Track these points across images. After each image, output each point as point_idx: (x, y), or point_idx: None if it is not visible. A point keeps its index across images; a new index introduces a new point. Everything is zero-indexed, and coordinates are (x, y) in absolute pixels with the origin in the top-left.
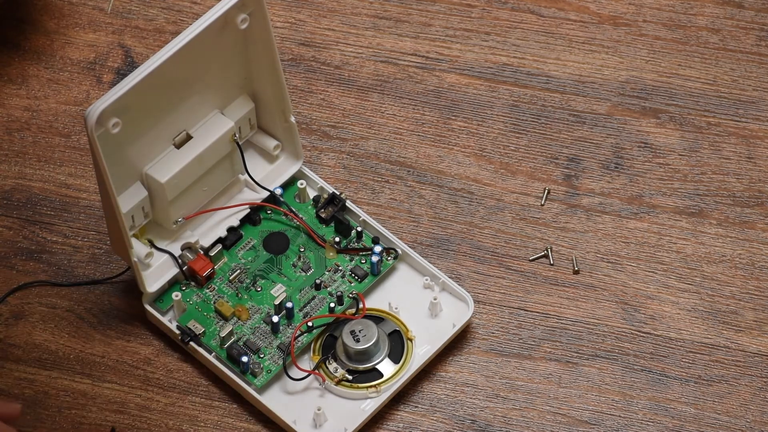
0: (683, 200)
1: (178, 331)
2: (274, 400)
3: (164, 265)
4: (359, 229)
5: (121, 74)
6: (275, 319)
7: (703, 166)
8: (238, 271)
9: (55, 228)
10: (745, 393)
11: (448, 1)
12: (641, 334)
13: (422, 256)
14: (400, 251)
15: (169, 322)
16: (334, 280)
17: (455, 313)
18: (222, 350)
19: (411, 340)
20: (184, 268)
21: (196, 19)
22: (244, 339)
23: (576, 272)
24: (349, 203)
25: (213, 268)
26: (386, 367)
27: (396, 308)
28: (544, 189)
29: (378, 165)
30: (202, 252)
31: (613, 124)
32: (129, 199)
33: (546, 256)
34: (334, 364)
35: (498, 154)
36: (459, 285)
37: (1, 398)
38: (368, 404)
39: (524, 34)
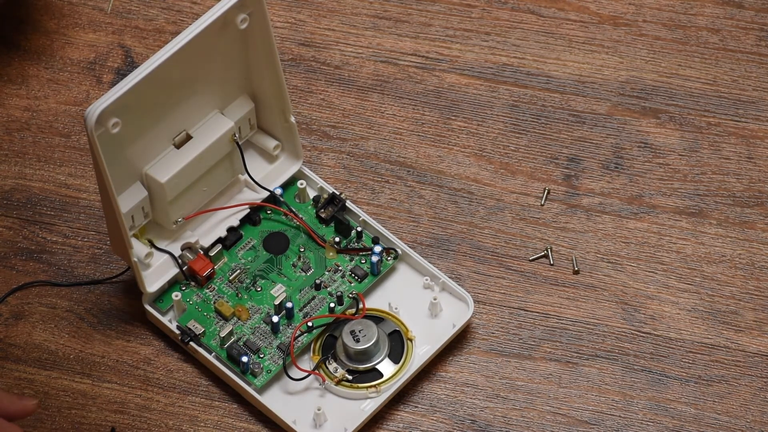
0: (683, 200)
1: (178, 331)
2: (274, 400)
3: (164, 265)
4: (359, 229)
5: (121, 74)
6: (275, 319)
7: (703, 166)
8: (238, 271)
9: (55, 228)
10: (745, 393)
11: (448, 1)
12: (641, 334)
13: (422, 256)
14: (400, 251)
15: (169, 322)
16: (334, 280)
17: (455, 313)
18: (222, 350)
19: (411, 340)
20: (184, 268)
21: (196, 19)
22: (244, 339)
23: (576, 272)
24: (349, 203)
25: (213, 268)
26: (386, 367)
27: (396, 308)
28: (544, 189)
29: (378, 165)
30: (202, 252)
31: (613, 124)
32: (129, 199)
33: (546, 256)
34: (334, 364)
35: (498, 154)
36: (459, 285)
37: (16, 394)
38: (368, 404)
39: (524, 34)
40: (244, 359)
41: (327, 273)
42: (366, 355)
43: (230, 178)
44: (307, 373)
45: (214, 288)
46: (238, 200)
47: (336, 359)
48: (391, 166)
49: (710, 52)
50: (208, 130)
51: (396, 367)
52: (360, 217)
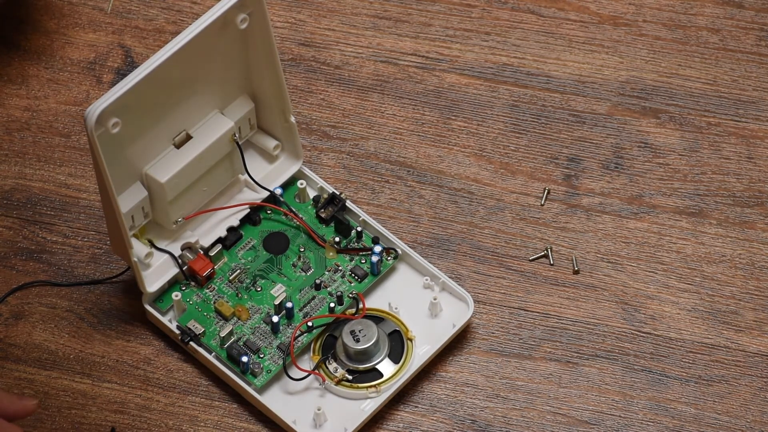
0: (683, 200)
1: (178, 331)
2: (274, 400)
3: (164, 265)
4: (359, 229)
5: (121, 74)
6: (275, 319)
7: (703, 166)
8: (238, 271)
9: (55, 228)
10: (745, 393)
11: (448, 1)
12: (641, 334)
13: (422, 256)
14: (400, 251)
15: (169, 322)
16: (334, 280)
17: (455, 313)
18: (222, 350)
19: (411, 340)
20: (184, 268)
21: (196, 19)
22: (244, 339)
23: (576, 272)
24: (349, 203)
25: (213, 268)
26: (386, 367)
27: (396, 308)
28: (544, 189)
29: (378, 165)
30: (202, 252)
31: (613, 124)
32: (129, 199)
33: (546, 256)
34: (334, 364)
35: (498, 154)
36: (459, 285)
37: (16, 394)
38: (368, 404)
39: (524, 34)
40: (244, 359)
41: (327, 273)
42: (366, 355)
43: (230, 178)
44: (307, 373)
45: (214, 288)
46: (238, 200)
47: (336, 359)
48: (391, 166)
49: (710, 52)
50: (208, 130)
51: (396, 367)
52: (360, 217)
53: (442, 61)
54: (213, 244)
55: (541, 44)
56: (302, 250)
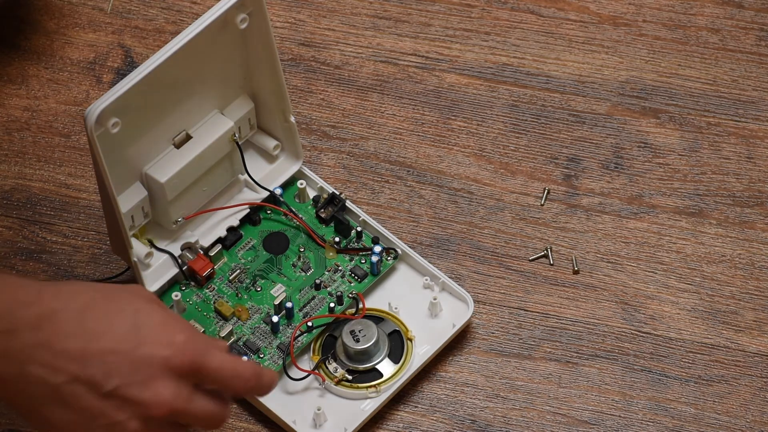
0: (683, 200)
1: None
2: (274, 400)
3: (164, 265)
4: (359, 229)
5: (121, 74)
6: (275, 319)
7: (703, 166)
8: (238, 271)
9: (55, 228)
10: (745, 393)
11: (448, 1)
12: (641, 334)
13: (422, 256)
14: (399, 251)
15: None
16: (334, 280)
17: (455, 313)
18: None
19: (411, 340)
20: (184, 268)
21: (196, 19)
22: (244, 339)
23: (576, 272)
24: (348, 203)
25: (213, 268)
26: (386, 367)
27: (396, 308)
28: (544, 189)
29: (378, 165)
30: (201, 252)
31: (613, 124)
32: (129, 199)
33: (546, 256)
34: (334, 364)
35: (498, 154)
36: (459, 285)
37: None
38: (368, 404)
39: (524, 34)
40: (244, 359)
41: (327, 273)
42: (366, 355)
43: (230, 178)
44: (307, 373)
45: (214, 288)
46: (238, 200)
47: (336, 359)
48: (391, 166)
49: (710, 52)
50: (208, 130)
51: (396, 367)
52: (360, 217)
53: (441, 61)
54: (213, 244)
55: (540, 44)
56: (302, 250)
